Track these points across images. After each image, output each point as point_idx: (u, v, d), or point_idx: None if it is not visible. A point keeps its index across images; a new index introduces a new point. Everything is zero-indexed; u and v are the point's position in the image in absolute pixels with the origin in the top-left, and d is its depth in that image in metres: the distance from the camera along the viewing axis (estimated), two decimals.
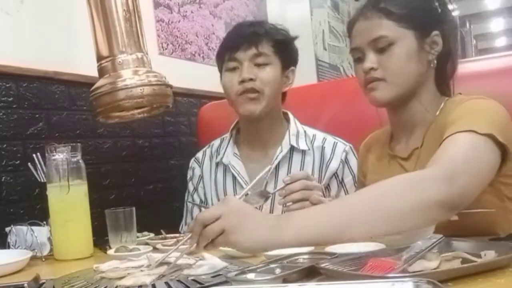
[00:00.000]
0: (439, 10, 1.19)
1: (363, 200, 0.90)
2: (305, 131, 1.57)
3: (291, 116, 1.60)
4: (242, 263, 1.03)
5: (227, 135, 1.64)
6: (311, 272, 0.87)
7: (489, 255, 0.85)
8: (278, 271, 0.89)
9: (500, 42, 13.87)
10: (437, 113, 1.18)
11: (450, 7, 1.21)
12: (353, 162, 1.53)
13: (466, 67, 1.79)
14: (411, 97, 1.19)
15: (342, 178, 1.52)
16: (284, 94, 1.58)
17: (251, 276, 0.86)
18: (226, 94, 1.53)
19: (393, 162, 1.26)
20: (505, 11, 11.26)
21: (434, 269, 0.79)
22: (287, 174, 1.49)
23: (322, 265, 0.87)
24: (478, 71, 1.67)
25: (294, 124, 1.58)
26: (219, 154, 1.61)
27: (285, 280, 0.84)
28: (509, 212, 1.13)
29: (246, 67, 1.46)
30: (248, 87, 1.46)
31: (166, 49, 2.27)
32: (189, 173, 1.69)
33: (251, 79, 1.45)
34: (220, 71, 1.56)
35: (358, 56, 1.21)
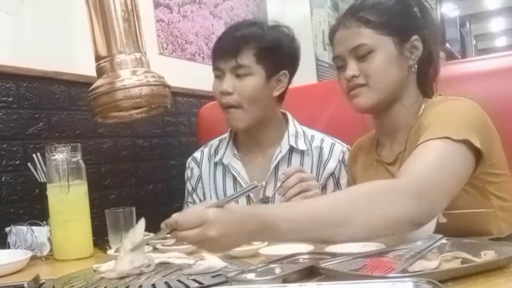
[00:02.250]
0: (419, 15, 1.21)
1: (335, 210, 0.91)
2: (303, 132, 1.57)
3: (289, 116, 1.59)
4: (242, 263, 1.03)
5: (226, 135, 1.64)
6: (311, 272, 0.87)
7: (489, 255, 0.85)
8: (278, 271, 0.89)
9: (500, 42, 13.90)
10: (419, 116, 1.19)
11: (431, 11, 1.23)
12: None
13: (466, 67, 1.80)
14: (393, 102, 1.21)
15: (338, 179, 1.53)
16: (281, 97, 1.55)
17: (251, 276, 0.86)
18: None
19: (380, 168, 1.27)
20: (505, 11, 11.28)
21: (434, 269, 0.79)
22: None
23: (322, 265, 0.87)
24: (478, 71, 1.67)
25: (293, 125, 1.57)
26: (217, 154, 1.61)
27: (285, 280, 0.84)
28: (496, 209, 1.14)
29: (226, 78, 1.46)
30: (224, 101, 1.46)
31: (166, 49, 2.27)
32: (187, 173, 1.68)
33: (228, 93, 1.45)
34: None
35: (340, 64, 1.23)
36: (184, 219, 0.84)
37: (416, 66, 1.20)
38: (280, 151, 1.52)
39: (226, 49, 1.46)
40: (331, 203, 0.94)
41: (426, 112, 1.17)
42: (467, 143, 1.00)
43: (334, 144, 1.55)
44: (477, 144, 1.01)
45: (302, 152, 1.53)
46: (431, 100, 1.21)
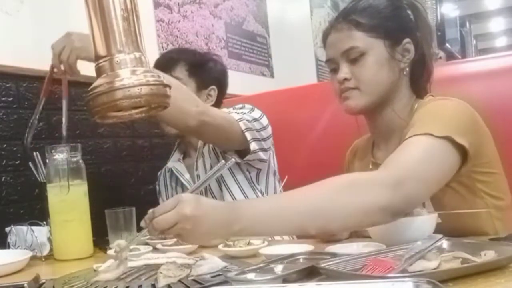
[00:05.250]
0: (412, 18, 1.21)
1: (310, 199, 0.94)
2: None
3: None
4: (242, 263, 1.03)
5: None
6: (311, 272, 0.87)
7: (489, 255, 0.85)
8: (278, 271, 0.89)
9: (500, 42, 13.90)
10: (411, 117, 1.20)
11: (424, 13, 1.23)
12: (256, 113, 1.58)
13: (466, 67, 1.80)
14: (385, 105, 1.21)
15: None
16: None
17: (251, 276, 0.86)
18: None
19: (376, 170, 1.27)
20: (505, 11, 11.28)
21: (434, 269, 0.79)
22: (203, 164, 1.67)
23: (322, 265, 0.87)
24: (478, 71, 1.67)
25: None
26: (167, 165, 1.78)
27: (285, 280, 0.84)
28: (491, 208, 1.14)
29: None
30: None
31: (166, 49, 2.27)
32: None
33: None
34: None
35: (333, 67, 1.24)
36: (159, 206, 0.91)
37: (407, 69, 1.21)
38: (198, 146, 1.68)
39: (162, 65, 1.63)
40: (307, 193, 0.95)
41: (415, 112, 1.17)
42: (449, 139, 1.01)
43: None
44: (461, 141, 1.01)
45: None
46: (422, 101, 1.21)
